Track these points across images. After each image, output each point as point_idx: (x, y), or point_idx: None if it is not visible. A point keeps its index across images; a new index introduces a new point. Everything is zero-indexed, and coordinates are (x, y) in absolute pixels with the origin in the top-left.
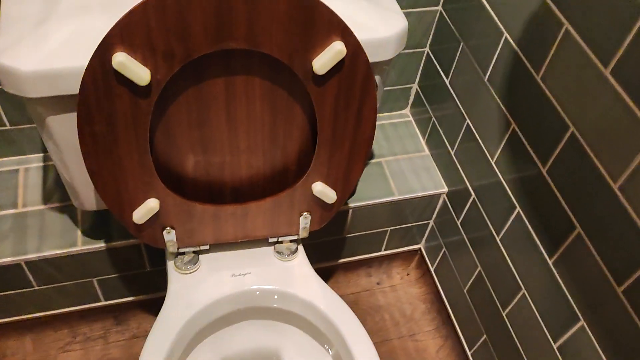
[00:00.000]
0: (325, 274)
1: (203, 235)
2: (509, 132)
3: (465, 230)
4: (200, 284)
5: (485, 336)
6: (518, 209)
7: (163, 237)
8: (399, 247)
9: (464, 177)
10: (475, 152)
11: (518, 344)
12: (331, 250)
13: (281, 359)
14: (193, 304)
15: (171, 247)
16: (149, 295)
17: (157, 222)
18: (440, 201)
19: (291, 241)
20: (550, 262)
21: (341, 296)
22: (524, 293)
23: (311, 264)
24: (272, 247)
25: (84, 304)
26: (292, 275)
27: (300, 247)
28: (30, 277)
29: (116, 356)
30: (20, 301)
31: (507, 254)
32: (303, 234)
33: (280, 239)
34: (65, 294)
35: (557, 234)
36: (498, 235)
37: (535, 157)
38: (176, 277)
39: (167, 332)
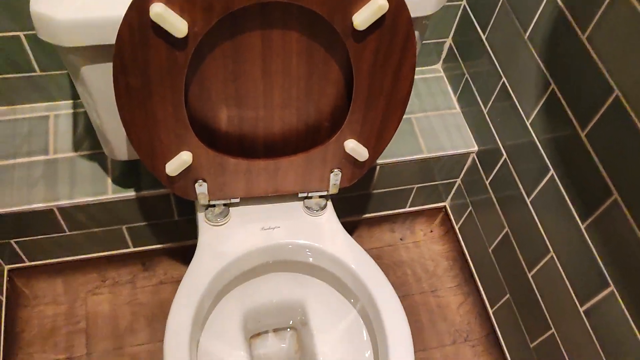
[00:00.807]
0: (349, 229)
1: (234, 189)
2: (548, 93)
3: (494, 190)
4: (230, 236)
5: (508, 295)
6: (552, 171)
7: (195, 190)
8: (424, 205)
9: (496, 137)
10: (510, 111)
11: (542, 305)
12: (356, 205)
13: (306, 311)
14: (223, 255)
15: (202, 200)
16: (176, 243)
17: (189, 174)
18: (470, 160)
19: (321, 197)
20: (582, 227)
21: (364, 250)
22: (552, 256)
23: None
24: (302, 202)
25: (113, 250)
26: (321, 230)
27: (329, 203)
28: (62, 223)
29: (143, 301)
30: (52, 246)
31: (537, 216)
32: (333, 190)
33: (310, 195)
34: (95, 240)
35: (592, 198)
36: (528, 197)
37: (574, 119)
38: (207, 229)
39: (198, 282)
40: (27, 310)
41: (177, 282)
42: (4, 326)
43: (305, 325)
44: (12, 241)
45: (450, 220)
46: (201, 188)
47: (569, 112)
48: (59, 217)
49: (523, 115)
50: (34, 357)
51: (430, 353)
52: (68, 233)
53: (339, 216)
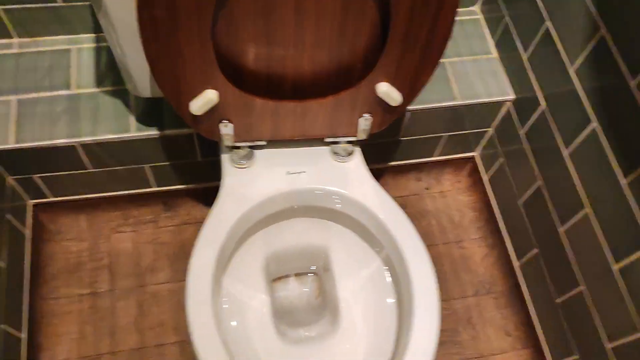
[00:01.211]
0: (375, 175)
1: (260, 131)
2: (596, 40)
3: (529, 141)
4: (255, 179)
5: (536, 250)
6: (594, 123)
7: (219, 130)
8: (452, 154)
9: (535, 85)
10: (552, 58)
11: (572, 261)
12: (383, 152)
13: (329, 257)
14: (247, 199)
15: (227, 141)
16: (199, 184)
17: (214, 114)
18: (504, 108)
19: (349, 142)
20: (623, 183)
21: None
22: (587, 212)
23: None
24: (329, 148)
25: (136, 189)
26: (348, 176)
27: (357, 149)
28: (84, 160)
29: (166, 240)
30: (74, 182)
31: (574, 170)
32: (362, 135)
33: (337, 140)
34: (118, 178)
35: (636, 154)
36: (566, 149)
37: (626, 69)
38: (231, 171)
39: (221, 225)
40: (52, 245)
41: (199, 223)
42: (30, 259)
43: (328, 270)
44: (35, 176)
45: (479, 170)
46: (226, 129)
47: (619, 61)
48: (81, 154)
49: (567, 63)
50: (59, 291)
51: (452, 304)
52: (90, 170)
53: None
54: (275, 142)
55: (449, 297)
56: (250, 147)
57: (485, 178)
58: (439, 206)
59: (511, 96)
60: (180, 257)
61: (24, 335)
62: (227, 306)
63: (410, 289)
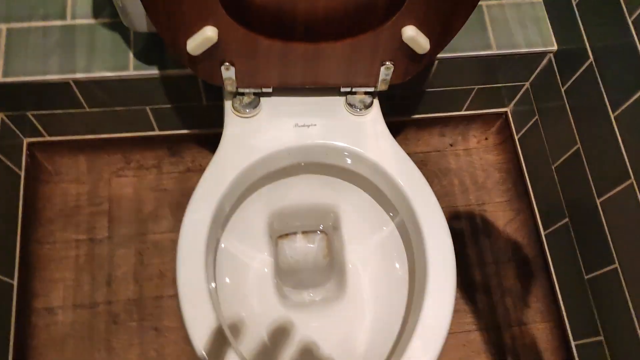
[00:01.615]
0: (394, 129)
1: (266, 76)
2: None
3: (570, 99)
4: (259, 130)
5: (567, 220)
6: None
7: (221, 74)
8: (481, 109)
9: (584, 35)
10: (607, 4)
11: (609, 236)
12: (405, 104)
13: (339, 217)
14: (250, 152)
15: (229, 86)
16: (205, 130)
17: (214, 55)
18: (545, 61)
19: (366, 93)
20: None
21: (409, 154)
22: (632, 182)
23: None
24: (344, 98)
25: (138, 132)
26: (363, 132)
27: (376, 101)
28: (80, 98)
29: (169, 187)
30: (72, 121)
31: (621, 135)
32: (382, 86)
33: (354, 90)
34: (118, 119)
35: None
36: (614, 111)
37: None
38: (233, 120)
39: (219, 180)
40: (49, 186)
41: None
42: (24, 200)
43: (337, 230)
44: (28, 113)
45: (510, 128)
46: (228, 72)
47: None
48: (77, 92)
49: (625, 11)
50: (55, 235)
51: (469, 270)
52: (88, 110)
53: (384, 115)
54: (283, 90)
55: (467, 264)
56: (256, 94)
57: (516, 137)
58: (462, 165)
59: (554, 47)
60: (183, 205)
61: (15, 281)
62: (224, 266)
63: (426, 263)
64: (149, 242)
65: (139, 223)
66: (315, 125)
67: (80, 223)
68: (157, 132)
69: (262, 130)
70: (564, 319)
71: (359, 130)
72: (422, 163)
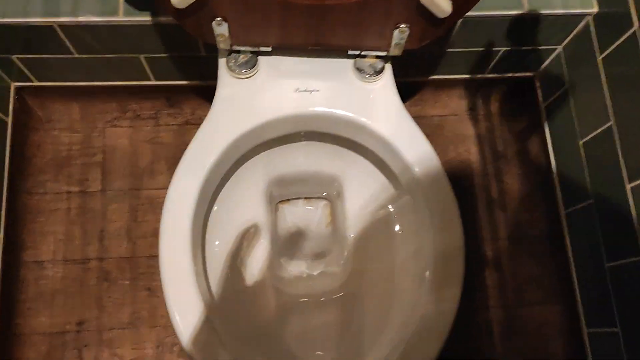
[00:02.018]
0: (410, 88)
1: (264, 34)
2: None
3: (607, 69)
4: (255, 93)
5: (592, 201)
6: None
7: (212, 30)
8: (507, 72)
9: None
10: None
11: (636, 225)
12: (423, 64)
13: (343, 188)
14: (244, 119)
15: (222, 44)
16: (206, 82)
17: (204, 9)
18: (582, 24)
19: (378, 57)
20: None
21: (424, 117)
22: None
23: (395, 75)
24: (352, 62)
25: (133, 81)
26: (372, 101)
27: (388, 67)
28: (67, 43)
29: (166, 141)
30: (62, 67)
31: None
32: (395, 51)
33: (363, 53)
34: (111, 67)
35: None
36: None
37: None
38: (227, 81)
39: (209, 150)
40: (39, 134)
41: None
42: (12, 147)
43: (341, 200)
44: (14, 57)
45: (536, 95)
46: (220, 28)
47: None
48: (62, 36)
49: None
50: (45, 185)
51: (481, 245)
52: (77, 55)
53: (398, 73)
54: (284, 49)
55: (479, 237)
56: (253, 52)
57: (542, 105)
58: (481, 131)
59: (594, 9)
60: None
61: (1, 232)
62: (216, 232)
63: (433, 253)
64: (143, 198)
65: (134, 177)
66: (318, 90)
67: (72, 174)
68: (153, 82)
69: (258, 93)
70: (577, 304)
71: (367, 99)
72: (438, 127)
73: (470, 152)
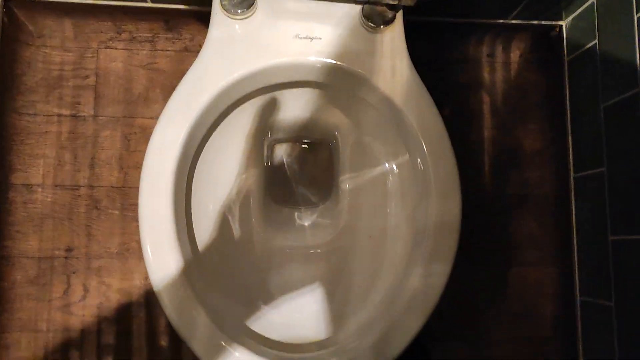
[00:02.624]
0: (424, 31)
1: None
2: None
3: None
4: (251, 37)
5: (603, 169)
6: None
7: None
8: (532, 19)
9: None
10: None
11: None
12: (441, 4)
13: (342, 140)
14: (237, 65)
15: None
16: (208, 7)
17: None
18: None
19: (388, 6)
20: None
21: (438, 61)
22: None
23: (411, 14)
24: (359, 8)
25: (130, 1)
26: (379, 54)
27: (400, 16)
28: None
29: (162, 67)
30: None
31: None
32: (407, 0)
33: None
34: None
35: None
36: None
37: None
38: (221, 21)
39: (196, 97)
40: (30, 50)
41: None
42: (0, 62)
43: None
44: None
45: (561, 46)
46: None
47: None
48: None
49: None
50: (35, 106)
51: (484, 201)
52: None
53: (412, 12)
54: None
55: (484, 194)
56: None
57: (565, 58)
58: (497, 80)
59: None
60: None
61: None
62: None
63: (431, 221)
64: (136, 127)
65: (128, 104)
66: (320, 39)
67: (64, 96)
68: (150, 4)
69: (253, 37)
70: (574, 270)
71: (373, 51)
72: (452, 74)
73: (483, 101)
